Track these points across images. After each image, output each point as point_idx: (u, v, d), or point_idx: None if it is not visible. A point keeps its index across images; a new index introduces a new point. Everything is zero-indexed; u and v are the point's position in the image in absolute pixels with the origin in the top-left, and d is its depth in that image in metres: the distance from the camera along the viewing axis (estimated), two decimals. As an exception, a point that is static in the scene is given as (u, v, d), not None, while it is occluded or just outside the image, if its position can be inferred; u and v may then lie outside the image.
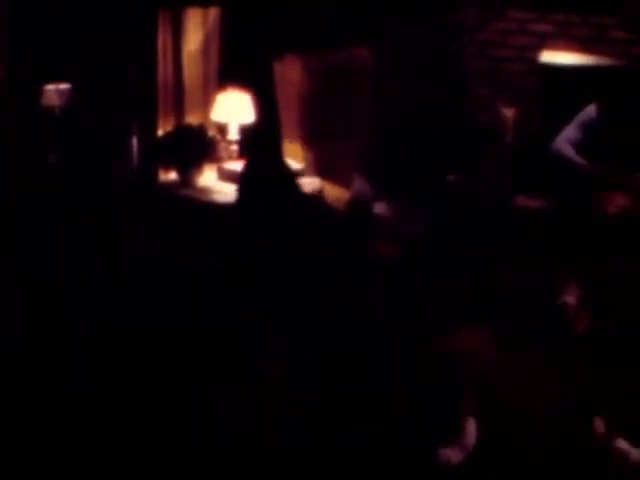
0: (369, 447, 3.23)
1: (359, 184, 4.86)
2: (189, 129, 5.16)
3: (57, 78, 5.00)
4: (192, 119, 5.36)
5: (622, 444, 3.27)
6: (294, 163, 5.24)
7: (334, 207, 4.93)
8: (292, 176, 3.87)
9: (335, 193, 5.17)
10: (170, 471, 3.12)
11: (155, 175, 5.09)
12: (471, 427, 3.33)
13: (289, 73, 5.39)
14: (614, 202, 4.61)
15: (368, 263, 4.15)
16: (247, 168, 3.95)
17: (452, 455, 3.27)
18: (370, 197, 4.81)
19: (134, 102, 4.98)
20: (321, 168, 5.30)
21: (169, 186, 5.10)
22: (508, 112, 5.63)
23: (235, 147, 5.20)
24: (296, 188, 3.86)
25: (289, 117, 5.42)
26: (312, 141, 5.37)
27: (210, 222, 4.59)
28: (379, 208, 4.78)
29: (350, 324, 3.69)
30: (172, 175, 5.16)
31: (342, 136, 5.41)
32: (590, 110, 4.92)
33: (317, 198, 4.52)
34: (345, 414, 3.34)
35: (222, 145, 5.21)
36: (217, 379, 3.50)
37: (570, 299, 4.12)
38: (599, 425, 3.33)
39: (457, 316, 3.87)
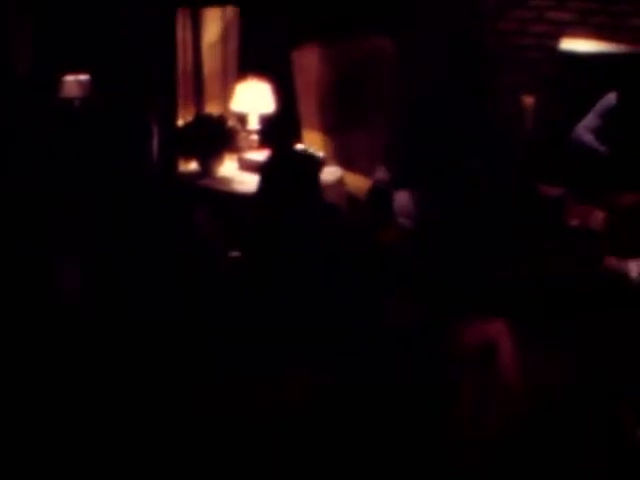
0: (376, 444, 3.20)
1: (381, 173, 4.86)
2: (209, 119, 5.17)
3: (77, 69, 5.01)
4: (212, 109, 5.37)
5: None
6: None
7: (355, 196, 4.93)
8: (316, 165, 3.82)
9: (356, 182, 5.17)
10: (170, 471, 3.10)
11: (175, 165, 5.11)
12: None
13: (309, 62, 5.38)
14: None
15: (380, 252, 4.13)
16: (271, 158, 3.92)
17: None
18: (391, 186, 4.81)
19: (154, 92, 4.99)
20: (342, 157, 5.31)
21: (189, 176, 5.12)
22: (528, 100, 5.62)
23: (255, 137, 5.21)
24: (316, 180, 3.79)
25: (309, 106, 5.42)
26: (332, 130, 5.37)
27: (230, 212, 4.59)
28: (400, 197, 4.77)
29: (366, 314, 3.65)
30: (192, 165, 5.18)
31: (362, 125, 5.41)
32: (610, 98, 4.91)
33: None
34: (354, 409, 3.31)
35: (242, 135, 5.22)
36: (222, 378, 3.45)
37: (594, 224, 4.32)
38: (626, 421, 3.31)
39: (473, 306, 3.83)
